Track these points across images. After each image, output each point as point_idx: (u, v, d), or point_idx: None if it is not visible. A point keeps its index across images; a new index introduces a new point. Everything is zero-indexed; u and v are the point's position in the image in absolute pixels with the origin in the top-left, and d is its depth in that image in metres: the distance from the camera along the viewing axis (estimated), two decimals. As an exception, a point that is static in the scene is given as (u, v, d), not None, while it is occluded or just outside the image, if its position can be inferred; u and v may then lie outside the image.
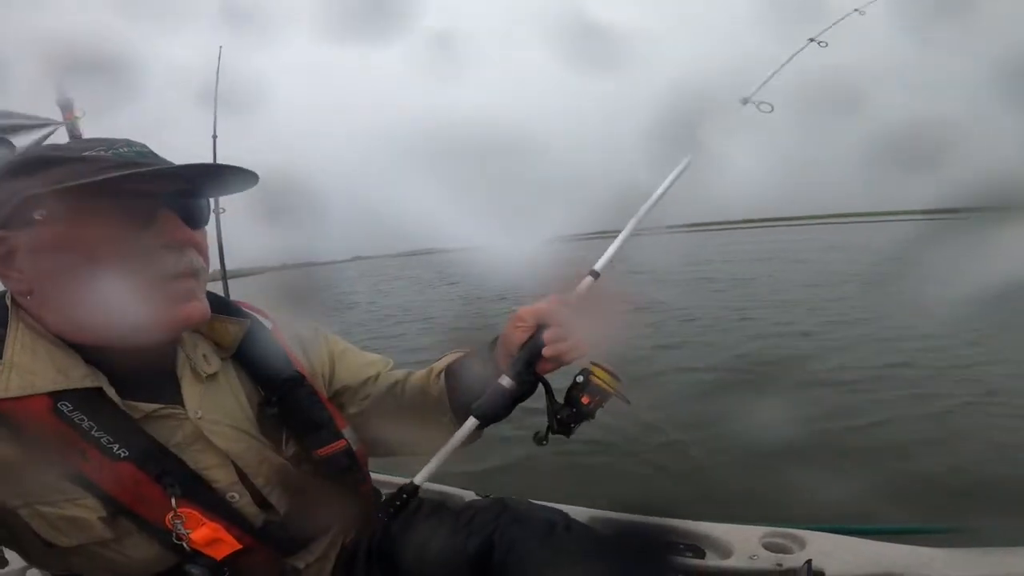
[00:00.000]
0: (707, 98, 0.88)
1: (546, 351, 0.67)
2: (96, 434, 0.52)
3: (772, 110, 0.87)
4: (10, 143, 1.18)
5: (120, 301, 0.53)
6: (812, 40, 0.93)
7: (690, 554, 1.07)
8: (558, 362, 0.69)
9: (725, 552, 1.03)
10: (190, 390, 0.62)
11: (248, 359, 0.69)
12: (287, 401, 0.68)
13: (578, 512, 1.08)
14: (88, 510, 0.53)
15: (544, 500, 0.89)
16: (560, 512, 0.78)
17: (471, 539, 0.72)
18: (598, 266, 0.76)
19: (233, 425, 0.64)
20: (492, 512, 0.75)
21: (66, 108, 1.17)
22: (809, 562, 0.91)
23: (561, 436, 0.73)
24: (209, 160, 0.59)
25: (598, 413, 0.72)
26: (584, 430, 0.72)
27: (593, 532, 0.76)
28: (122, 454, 0.53)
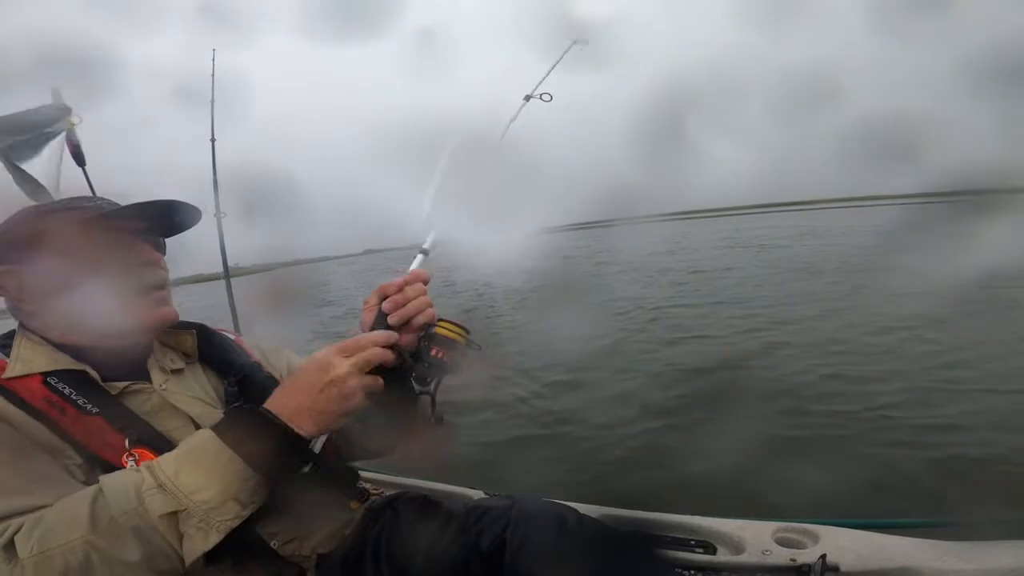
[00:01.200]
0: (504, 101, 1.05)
1: (390, 319, 0.73)
2: (74, 397, 0.66)
3: (552, 99, 1.06)
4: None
5: (113, 307, 0.69)
6: (575, 42, 1.11)
7: (701, 550, 1.06)
8: (409, 329, 0.74)
9: (737, 548, 1.02)
10: (157, 376, 0.77)
11: (212, 360, 0.83)
12: (245, 381, 0.80)
13: (589, 509, 1.07)
14: (70, 460, 0.64)
15: (554, 498, 0.89)
16: (571, 508, 0.79)
17: (483, 537, 0.75)
18: (426, 245, 0.88)
19: (195, 396, 0.77)
20: (502, 509, 0.78)
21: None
22: (823, 557, 0.90)
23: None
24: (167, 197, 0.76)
25: (459, 366, 0.75)
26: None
27: (604, 527, 0.77)
28: (94, 411, 0.66)
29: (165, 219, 0.78)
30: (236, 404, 0.76)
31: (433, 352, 0.74)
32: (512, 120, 1.04)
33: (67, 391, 0.66)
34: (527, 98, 1.06)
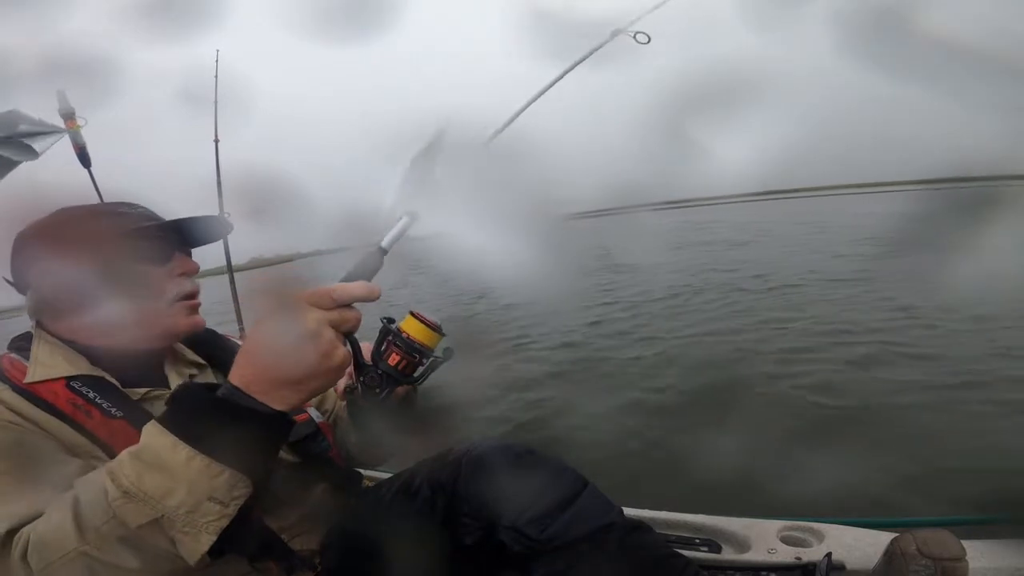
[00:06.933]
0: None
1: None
2: (98, 400, 0.67)
3: (649, 40, 0.88)
4: (32, 149, 1.20)
5: (149, 313, 0.74)
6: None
7: (706, 548, 1.06)
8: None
9: (742, 546, 1.02)
10: (176, 381, 0.79)
11: (224, 366, 0.82)
12: None
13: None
14: (98, 461, 0.63)
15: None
16: (520, 444, 0.82)
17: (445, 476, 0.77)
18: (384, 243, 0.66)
19: None
20: (461, 451, 0.81)
21: (68, 117, 1.18)
22: (829, 555, 0.90)
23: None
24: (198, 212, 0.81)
25: (425, 376, 0.61)
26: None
27: (547, 456, 0.80)
28: (118, 414, 0.67)
29: (200, 232, 0.81)
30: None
31: (394, 359, 0.60)
32: (593, 51, 0.82)
33: (91, 395, 0.67)
34: (615, 33, 0.84)
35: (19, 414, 0.63)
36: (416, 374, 0.62)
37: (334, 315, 0.52)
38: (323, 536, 0.80)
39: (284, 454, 0.81)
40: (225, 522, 0.50)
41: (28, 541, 0.50)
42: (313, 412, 0.89)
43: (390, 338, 0.61)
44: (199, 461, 0.48)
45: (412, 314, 0.61)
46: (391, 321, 0.62)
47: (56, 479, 0.57)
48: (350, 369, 0.60)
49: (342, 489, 0.86)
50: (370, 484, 0.94)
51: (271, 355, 0.50)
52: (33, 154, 1.19)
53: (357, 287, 0.54)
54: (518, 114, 0.76)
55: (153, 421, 0.51)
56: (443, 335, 0.62)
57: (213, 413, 0.50)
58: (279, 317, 0.51)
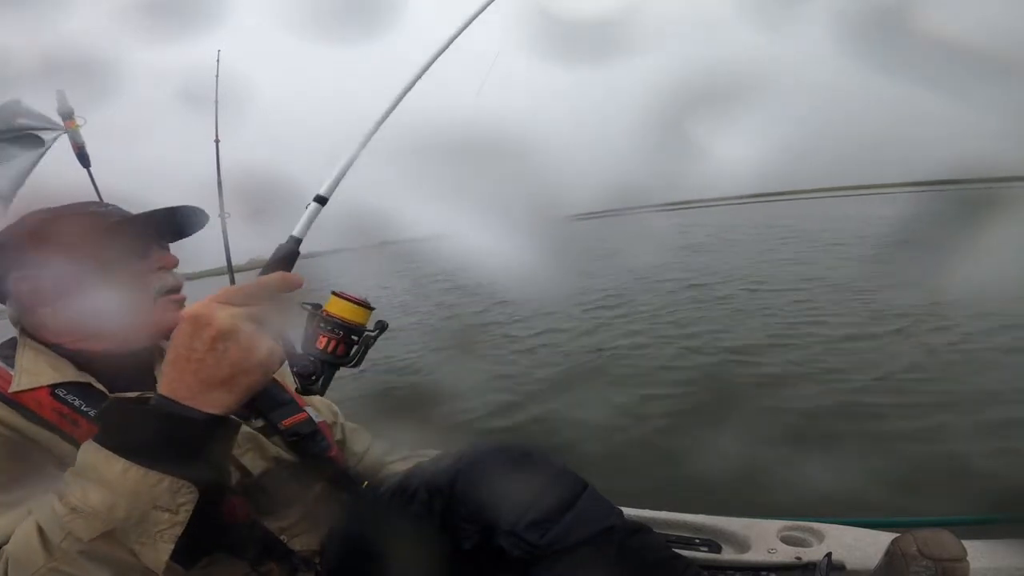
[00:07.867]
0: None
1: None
2: (85, 409, 0.65)
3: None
4: (38, 138, 1.18)
5: (132, 312, 0.70)
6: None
7: (706, 548, 1.06)
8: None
9: (742, 546, 1.02)
10: None
11: None
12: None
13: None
14: None
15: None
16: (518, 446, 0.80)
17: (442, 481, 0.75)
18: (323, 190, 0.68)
19: None
20: (457, 455, 0.79)
21: (67, 117, 1.18)
22: (829, 555, 0.90)
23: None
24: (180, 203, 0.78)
25: (362, 355, 0.60)
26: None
27: (543, 456, 0.78)
28: None
29: (176, 224, 0.79)
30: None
31: (321, 342, 0.58)
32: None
33: (77, 403, 0.65)
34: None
35: (5, 425, 0.62)
36: (351, 353, 0.60)
37: (252, 310, 0.52)
38: (323, 536, 0.80)
39: (283, 453, 0.80)
40: (179, 529, 0.50)
41: (7, 559, 0.51)
42: (312, 411, 0.88)
43: (315, 322, 0.59)
44: (135, 472, 0.49)
45: (335, 293, 0.60)
46: (316, 307, 0.60)
47: (44, 492, 0.55)
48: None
49: (341, 488, 0.86)
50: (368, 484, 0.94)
51: (191, 360, 0.51)
52: (39, 143, 1.17)
53: (272, 278, 0.56)
54: (384, 118, 0.78)
55: (89, 439, 0.52)
56: (371, 309, 0.61)
57: (142, 423, 0.51)
58: (191, 322, 0.51)
